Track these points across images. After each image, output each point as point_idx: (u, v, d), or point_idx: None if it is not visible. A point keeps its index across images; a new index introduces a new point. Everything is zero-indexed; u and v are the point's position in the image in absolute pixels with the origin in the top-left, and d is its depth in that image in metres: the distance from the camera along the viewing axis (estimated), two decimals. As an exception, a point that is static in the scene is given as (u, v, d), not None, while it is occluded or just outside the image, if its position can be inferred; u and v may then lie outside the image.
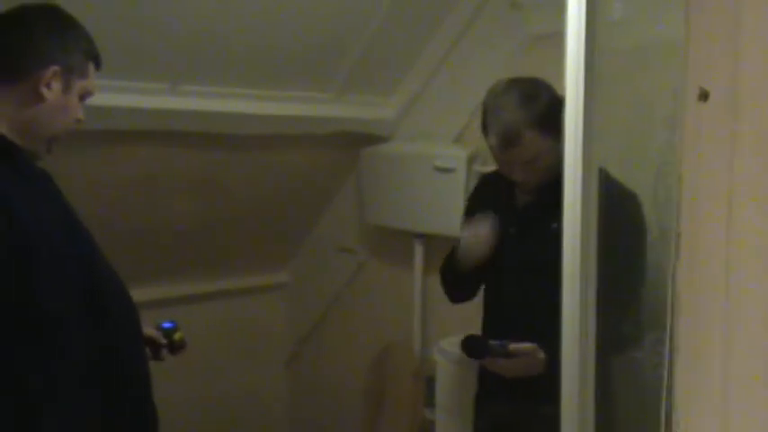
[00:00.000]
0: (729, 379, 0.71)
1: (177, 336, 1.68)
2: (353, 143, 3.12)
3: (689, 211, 0.75)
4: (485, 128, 1.89)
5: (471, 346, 1.91)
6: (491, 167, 2.50)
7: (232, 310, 3.52)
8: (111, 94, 2.28)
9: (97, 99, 2.20)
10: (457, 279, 2.13)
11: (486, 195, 2.01)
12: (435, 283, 3.02)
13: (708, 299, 0.74)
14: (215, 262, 3.33)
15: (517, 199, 2.00)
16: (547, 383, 1.34)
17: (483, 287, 2.11)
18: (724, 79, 0.71)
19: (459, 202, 2.76)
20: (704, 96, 0.73)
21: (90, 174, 2.50)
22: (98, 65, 1.68)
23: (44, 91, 1.56)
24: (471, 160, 2.76)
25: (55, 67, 1.57)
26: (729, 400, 0.71)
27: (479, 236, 1.94)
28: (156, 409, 1.71)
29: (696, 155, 0.74)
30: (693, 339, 0.74)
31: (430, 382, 2.90)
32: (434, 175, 2.83)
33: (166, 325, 1.85)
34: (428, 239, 3.05)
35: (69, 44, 1.61)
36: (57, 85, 1.58)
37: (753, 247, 0.74)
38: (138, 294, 1.74)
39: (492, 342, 1.86)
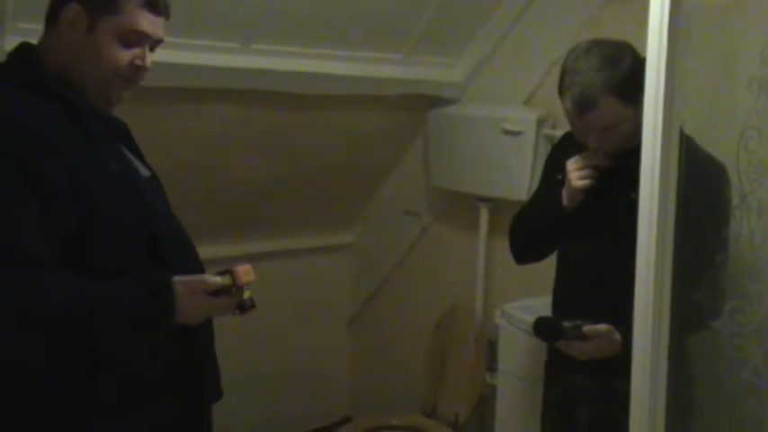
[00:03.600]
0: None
1: (246, 294, 1.64)
2: (421, 105, 3.10)
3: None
4: (561, 90, 1.82)
5: (544, 330, 1.86)
6: (561, 131, 2.46)
7: (297, 270, 3.56)
8: (183, 52, 2.31)
9: (170, 57, 2.25)
10: (530, 237, 2.09)
11: (569, 154, 1.93)
12: (499, 247, 3.02)
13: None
14: (282, 221, 3.37)
15: None
16: (623, 357, 1.32)
17: (556, 255, 2.06)
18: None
19: (527, 166, 2.73)
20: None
21: (160, 131, 2.54)
22: (151, 5, 1.53)
23: (68, 32, 1.48)
24: (541, 123, 2.71)
25: (75, 5, 1.47)
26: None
27: (586, 168, 1.85)
28: (217, 363, 1.71)
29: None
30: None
31: (492, 346, 2.90)
32: (502, 138, 2.79)
33: None
34: (494, 204, 3.03)
35: None
36: (80, 25, 1.47)
37: None
38: (205, 252, 1.75)
39: (565, 324, 1.81)
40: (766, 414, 1.25)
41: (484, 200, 3.03)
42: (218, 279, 1.53)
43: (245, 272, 1.55)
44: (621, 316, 1.43)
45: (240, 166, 2.95)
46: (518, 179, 2.75)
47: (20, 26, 1.94)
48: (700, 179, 1.33)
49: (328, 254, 3.66)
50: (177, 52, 2.28)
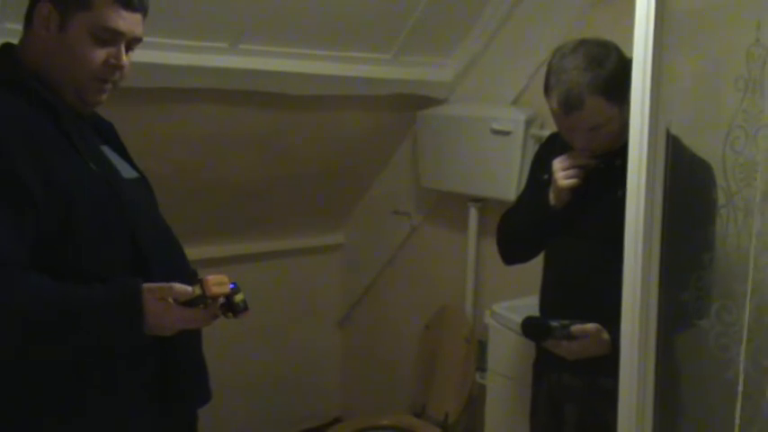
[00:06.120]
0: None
1: (238, 297, 1.61)
2: (411, 105, 3.10)
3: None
4: (547, 89, 1.83)
5: (532, 330, 1.86)
6: (549, 131, 2.46)
7: (287, 271, 3.55)
8: (171, 53, 2.30)
9: (158, 57, 2.24)
10: (518, 237, 2.09)
11: (555, 154, 1.93)
12: (489, 247, 3.02)
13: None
14: (272, 222, 3.36)
15: None
16: (611, 356, 1.32)
17: (543, 254, 2.07)
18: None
19: (515, 166, 2.73)
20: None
21: (150, 131, 2.53)
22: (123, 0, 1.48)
23: (41, 31, 1.45)
24: (529, 123, 2.72)
25: (46, 3, 1.45)
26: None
27: (570, 168, 1.85)
28: (205, 366, 1.70)
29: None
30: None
31: (482, 346, 2.90)
32: (491, 138, 2.79)
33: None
34: (483, 203, 3.03)
35: None
36: (52, 24, 1.45)
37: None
38: (195, 253, 1.73)
39: (553, 324, 1.81)
40: (752, 413, 1.26)
41: (473, 199, 3.03)
42: (188, 288, 1.47)
43: (215, 282, 1.48)
44: (608, 315, 1.43)
45: (229, 167, 2.94)
46: (507, 179, 2.76)
47: (7, 27, 1.92)
48: (686, 179, 1.34)
49: (318, 254, 3.66)
50: (165, 53, 2.27)
